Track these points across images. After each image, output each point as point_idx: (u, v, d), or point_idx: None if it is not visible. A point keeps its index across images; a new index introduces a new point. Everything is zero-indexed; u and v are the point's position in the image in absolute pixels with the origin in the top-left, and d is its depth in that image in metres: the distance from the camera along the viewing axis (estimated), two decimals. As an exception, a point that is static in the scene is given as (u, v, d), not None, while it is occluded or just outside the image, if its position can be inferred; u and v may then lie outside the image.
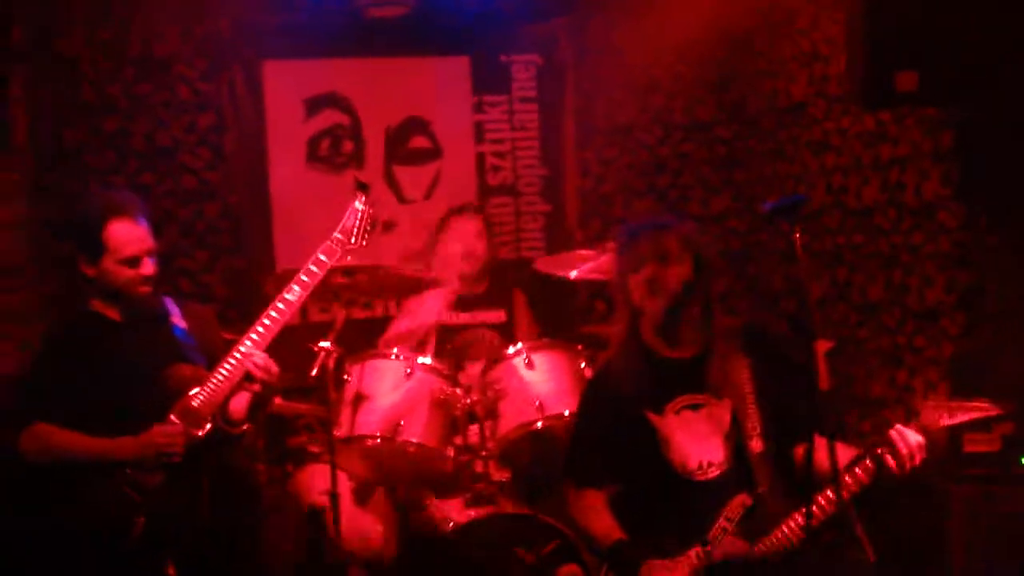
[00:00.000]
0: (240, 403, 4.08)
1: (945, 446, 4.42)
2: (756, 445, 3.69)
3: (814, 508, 3.42)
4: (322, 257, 4.10)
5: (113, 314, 4.12)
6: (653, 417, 3.76)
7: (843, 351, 6.10)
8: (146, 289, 4.09)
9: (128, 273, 4.02)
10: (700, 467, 3.72)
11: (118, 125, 6.40)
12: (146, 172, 6.43)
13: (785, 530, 3.52)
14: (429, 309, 5.60)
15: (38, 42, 6.16)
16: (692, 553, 3.58)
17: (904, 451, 3.40)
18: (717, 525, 3.61)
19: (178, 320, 4.21)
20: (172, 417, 3.92)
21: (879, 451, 3.45)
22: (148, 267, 4.05)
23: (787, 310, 6.69)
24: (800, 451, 3.63)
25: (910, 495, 4.57)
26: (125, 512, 3.82)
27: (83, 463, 3.88)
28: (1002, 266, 5.27)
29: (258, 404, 4.10)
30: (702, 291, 3.75)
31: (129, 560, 3.81)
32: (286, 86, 6.79)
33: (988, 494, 4.50)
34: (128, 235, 4.01)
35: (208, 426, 3.93)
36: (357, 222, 4.18)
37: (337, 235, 4.14)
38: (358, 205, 4.22)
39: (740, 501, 3.63)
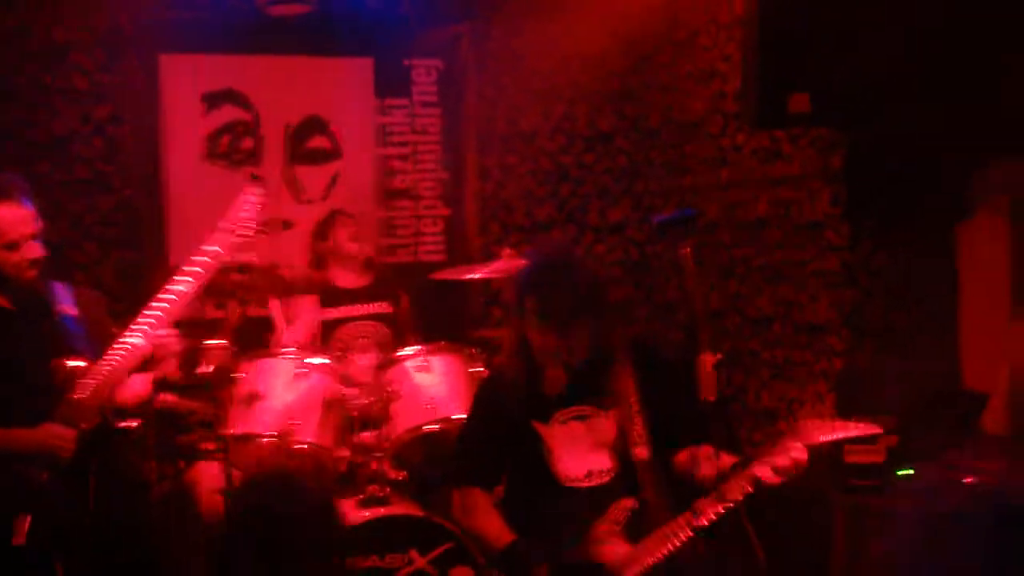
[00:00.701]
0: (129, 391, 4.03)
1: (823, 457, 4.53)
2: (641, 453, 3.73)
3: (699, 514, 3.47)
4: (210, 248, 4.03)
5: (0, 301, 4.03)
6: (540, 426, 3.79)
7: (732, 363, 6.21)
8: (31, 273, 3.99)
9: (12, 258, 3.92)
10: (586, 475, 3.76)
11: (13, 114, 6.29)
12: (41, 161, 6.33)
13: (667, 532, 3.57)
14: (308, 309, 5.64)
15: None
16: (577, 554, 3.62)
17: (791, 467, 3.47)
18: (602, 527, 3.65)
19: (68, 308, 4.12)
20: (59, 412, 3.84)
21: (759, 469, 3.52)
22: (33, 250, 3.96)
23: (683, 320, 6.80)
24: (683, 459, 3.69)
25: (797, 504, 4.68)
26: (11, 510, 3.74)
27: None
28: (886, 285, 5.41)
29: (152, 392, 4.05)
30: (591, 317, 3.77)
31: (15, 559, 3.72)
32: (184, 80, 6.73)
33: (870, 504, 4.63)
34: (10, 218, 3.91)
35: (96, 420, 3.87)
36: (247, 214, 4.12)
37: (226, 225, 4.08)
38: (249, 197, 4.16)
39: (625, 505, 3.68)
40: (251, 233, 4.11)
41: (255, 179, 4.24)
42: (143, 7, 6.51)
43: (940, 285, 5.38)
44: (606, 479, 3.76)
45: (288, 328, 5.65)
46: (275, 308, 5.72)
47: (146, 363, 3.99)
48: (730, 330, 6.35)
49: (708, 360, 3.34)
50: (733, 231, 6.37)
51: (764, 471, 3.48)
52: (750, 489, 3.51)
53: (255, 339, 5.27)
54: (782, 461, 3.47)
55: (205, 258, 4.00)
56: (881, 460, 4.61)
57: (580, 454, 3.77)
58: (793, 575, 4.74)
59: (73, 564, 3.77)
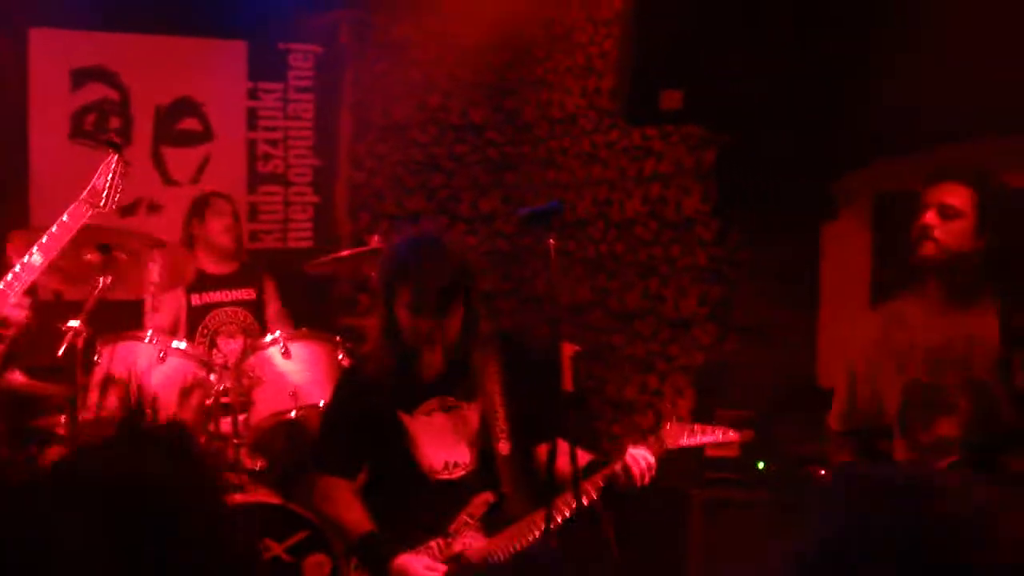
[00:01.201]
0: None
1: (686, 459, 4.59)
2: (503, 447, 3.75)
3: (555, 510, 3.50)
4: (67, 218, 3.87)
5: None
6: (404, 416, 3.77)
7: (594, 356, 6.26)
8: None
9: None
10: (446, 467, 3.76)
11: None
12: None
13: (524, 527, 3.59)
14: (175, 294, 5.55)
15: None
16: (433, 544, 3.62)
17: (637, 473, 3.56)
18: (459, 519, 3.66)
19: None
20: None
21: (615, 468, 3.58)
22: None
23: (549, 313, 6.82)
24: (543, 452, 3.71)
25: (654, 497, 4.73)
26: None
27: None
28: (751, 281, 5.50)
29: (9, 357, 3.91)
30: (463, 303, 3.77)
31: None
32: (52, 55, 6.55)
33: (727, 497, 4.71)
34: None
35: None
36: (108, 182, 3.95)
37: (85, 195, 3.92)
38: (109, 164, 4.00)
39: (484, 499, 3.69)
40: (112, 204, 3.97)
41: (112, 144, 4.08)
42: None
43: (803, 282, 5.48)
44: (466, 471, 3.76)
45: (154, 313, 5.54)
46: (147, 291, 5.60)
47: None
48: (595, 324, 6.39)
49: (567, 351, 3.36)
50: (604, 227, 6.41)
51: (617, 472, 3.54)
52: (602, 484, 3.57)
53: (117, 322, 5.14)
54: (635, 466, 3.54)
55: (59, 231, 3.87)
56: (735, 455, 4.68)
57: (442, 446, 3.77)
58: (649, 569, 4.79)
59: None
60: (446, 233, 4.43)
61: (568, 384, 3.30)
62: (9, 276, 3.79)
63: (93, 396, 4.67)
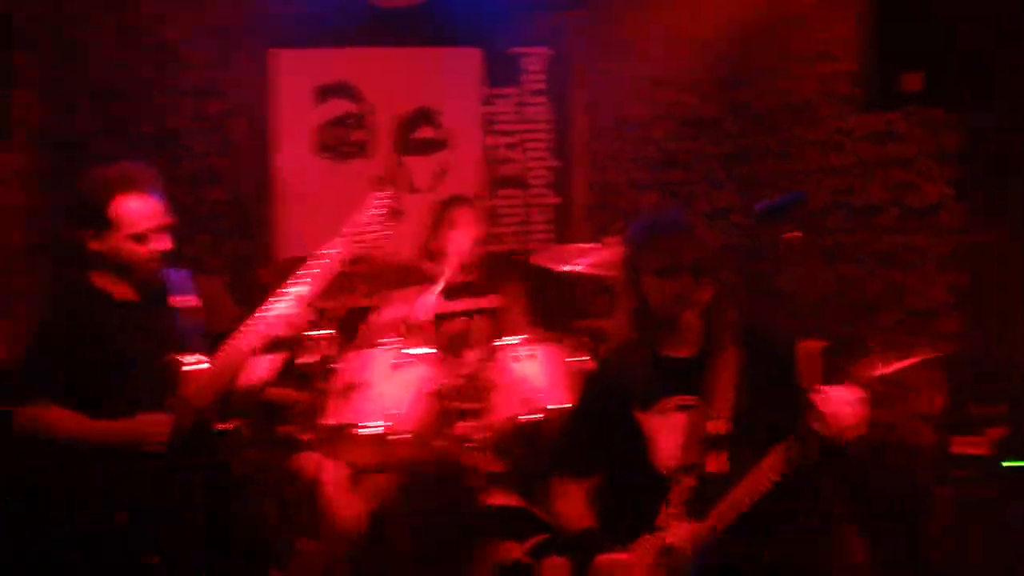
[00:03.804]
0: (252, 376, 4.06)
1: (896, 403, 4.37)
2: (720, 427, 3.66)
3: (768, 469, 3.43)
4: (334, 249, 3.96)
5: (118, 291, 4.00)
6: (644, 416, 3.75)
7: (840, 351, 6.08)
8: (156, 266, 3.97)
9: (138, 250, 3.91)
10: (682, 467, 3.71)
11: (126, 110, 6.42)
12: (152, 157, 6.44)
13: (729, 505, 3.51)
14: (421, 299, 5.62)
15: (47, 27, 6.18)
16: (644, 541, 3.58)
17: (827, 409, 3.39)
18: (665, 512, 3.61)
19: (188, 298, 4.07)
20: (166, 407, 3.83)
21: (810, 422, 3.44)
22: (160, 243, 3.95)
23: (788, 307, 6.68)
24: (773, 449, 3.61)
25: (898, 495, 4.60)
26: (107, 506, 3.77)
27: (74, 443, 3.81)
28: (999, 268, 5.25)
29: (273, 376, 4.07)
30: (710, 291, 3.74)
31: (109, 550, 3.75)
32: (296, 74, 6.82)
33: (975, 496, 4.51)
34: (138, 211, 3.89)
35: (193, 420, 3.87)
36: (374, 218, 4.02)
37: (351, 230, 4.00)
38: (377, 201, 4.06)
39: (687, 484, 3.62)
40: (376, 237, 4.05)
41: (383, 182, 4.15)
42: (253, 2, 6.60)
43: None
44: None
45: (411, 323, 5.62)
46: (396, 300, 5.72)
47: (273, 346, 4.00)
48: (836, 317, 6.21)
49: (815, 347, 3.27)
50: (843, 216, 6.23)
51: (813, 426, 3.41)
52: (803, 435, 3.43)
53: (357, 329, 5.29)
54: (821, 406, 3.39)
55: (327, 260, 3.94)
56: (986, 452, 4.46)
57: (680, 444, 3.73)
58: (896, 569, 4.64)
59: (170, 555, 3.81)
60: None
61: (816, 380, 3.19)
62: (281, 304, 3.92)
63: (335, 403, 4.81)
